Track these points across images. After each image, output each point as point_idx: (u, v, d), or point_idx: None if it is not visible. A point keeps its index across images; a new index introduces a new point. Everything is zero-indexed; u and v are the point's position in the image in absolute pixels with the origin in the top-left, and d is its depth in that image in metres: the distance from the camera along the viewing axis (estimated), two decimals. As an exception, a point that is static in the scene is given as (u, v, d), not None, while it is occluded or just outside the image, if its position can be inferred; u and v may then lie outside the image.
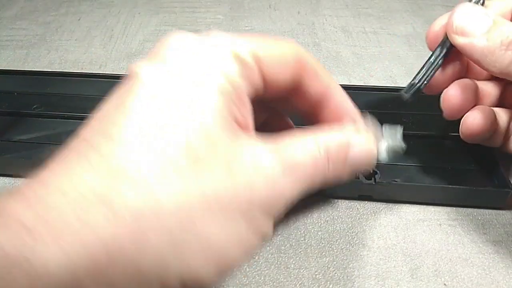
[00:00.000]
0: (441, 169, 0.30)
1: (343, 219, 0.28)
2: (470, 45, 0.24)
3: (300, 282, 0.25)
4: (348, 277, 0.25)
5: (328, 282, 0.25)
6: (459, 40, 0.24)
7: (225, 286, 0.25)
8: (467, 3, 0.25)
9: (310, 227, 0.28)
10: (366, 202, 0.29)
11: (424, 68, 0.26)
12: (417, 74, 0.26)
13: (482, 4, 0.25)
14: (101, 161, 0.15)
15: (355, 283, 0.25)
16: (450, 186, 0.28)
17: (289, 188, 0.19)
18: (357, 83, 0.41)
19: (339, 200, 0.29)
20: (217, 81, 0.18)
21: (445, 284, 0.25)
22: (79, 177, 0.15)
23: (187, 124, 0.17)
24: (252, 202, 0.17)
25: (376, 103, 0.36)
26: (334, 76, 0.42)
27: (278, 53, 0.21)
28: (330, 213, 0.29)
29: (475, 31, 0.24)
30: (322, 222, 0.28)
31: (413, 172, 0.30)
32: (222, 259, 0.17)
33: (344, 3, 0.55)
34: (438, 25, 0.27)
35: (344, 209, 0.29)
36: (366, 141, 0.22)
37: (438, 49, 0.26)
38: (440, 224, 0.28)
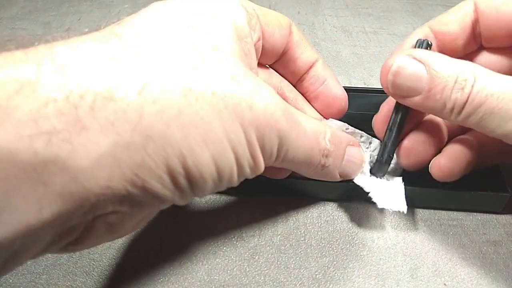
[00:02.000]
0: None
1: (343, 219, 0.28)
2: (417, 104, 0.23)
3: (300, 282, 0.25)
4: (348, 277, 0.25)
5: (328, 282, 0.25)
6: (404, 102, 0.24)
7: (224, 286, 0.25)
8: (401, 57, 0.23)
9: (310, 227, 0.28)
10: (366, 202, 0.29)
11: (384, 140, 0.26)
12: (379, 151, 0.26)
13: (429, 47, 0.24)
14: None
15: (355, 283, 0.25)
16: (447, 190, 0.28)
17: (286, 129, 0.20)
18: (358, 84, 0.41)
19: (339, 201, 0.29)
20: (230, 17, 0.20)
21: (445, 284, 0.25)
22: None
23: (206, 33, 0.19)
24: (252, 123, 0.18)
25: (377, 105, 0.36)
26: (334, 76, 0.42)
27: (273, 15, 0.24)
28: (330, 213, 0.29)
29: (414, 93, 0.23)
30: (322, 222, 0.28)
31: (411, 176, 0.29)
32: (219, 156, 0.18)
33: (344, 3, 0.55)
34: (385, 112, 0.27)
35: (344, 209, 0.29)
36: (360, 151, 0.26)
37: (393, 115, 0.25)
38: (440, 224, 0.28)
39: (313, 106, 0.29)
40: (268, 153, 0.20)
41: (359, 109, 0.35)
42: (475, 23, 0.25)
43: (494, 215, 0.28)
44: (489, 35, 0.25)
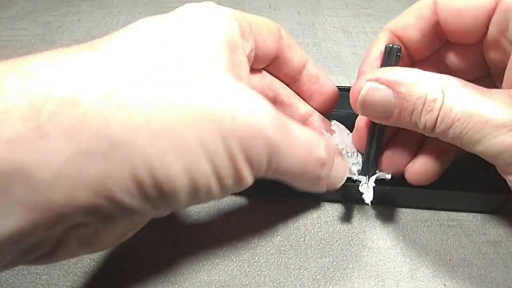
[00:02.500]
0: None
1: (343, 220, 0.28)
2: (391, 124, 0.23)
3: (300, 283, 0.25)
4: (348, 278, 0.25)
5: (328, 283, 0.25)
6: (378, 122, 0.24)
7: (224, 286, 0.25)
8: (368, 83, 0.23)
9: (310, 227, 0.28)
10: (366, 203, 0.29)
11: (366, 152, 0.26)
12: (363, 163, 0.27)
13: (399, 52, 0.24)
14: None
15: (355, 283, 0.25)
16: (447, 190, 0.28)
17: (275, 139, 0.19)
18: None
19: (339, 202, 0.29)
20: (222, 29, 0.20)
21: (444, 285, 0.25)
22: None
23: (191, 47, 0.19)
24: (233, 134, 0.17)
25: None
26: (334, 76, 0.42)
27: (264, 23, 0.25)
28: (330, 213, 0.29)
29: (386, 115, 0.23)
30: (322, 223, 0.28)
31: None
32: (192, 166, 0.17)
33: (344, 3, 0.55)
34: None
35: (344, 210, 0.29)
36: (344, 160, 0.25)
37: (371, 128, 0.26)
38: (440, 225, 0.28)
39: (309, 104, 0.29)
40: (256, 165, 0.19)
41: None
42: (437, 25, 0.25)
43: (494, 216, 0.28)
44: (453, 35, 0.25)
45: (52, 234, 0.16)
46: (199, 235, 0.27)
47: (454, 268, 0.25)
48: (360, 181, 0.26)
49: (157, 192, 0.17)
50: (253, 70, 0.26)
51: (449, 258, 0.26)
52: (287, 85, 0.28)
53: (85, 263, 0.26)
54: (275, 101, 0.28)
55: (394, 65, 0.24)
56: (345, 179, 0.25)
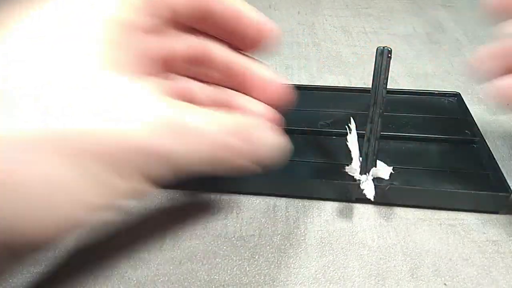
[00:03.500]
0: (439, 172, 0.30)
1: (343, 219, 0.28)
2: None
3: (300, 282, 0.25)
4: (348, 277, 0.25)
5: (328, 282, 0.25)
6: None
7: (224, 286, 0.25)
8: None
9: (310, 226, 0.28)
10: (366, 202, 0.29)
11: (364, 152, 0.27)
12: (362, 163, 0.27)
13: (389, 55, 0.26)
14: None
15: (355, 282, 0.25)
16: (447, 190, 0.28)
17: (166, 147, 0.16)
18: (358, 84, 0.41)
19: (339, 200, 0.29)
20: (104, 11, 0.17)
21: (445, 284, 0.25)
22: None
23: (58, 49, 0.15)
24: (100, 153, 0.15)
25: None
26: (334, 76, 0.42)
27: None
28: (330, 212, 0.29)
29: None
30: (322, 221, 0.28)
31: (411, 175, 0.30)
32: (53, 211, 0.15)
33: (344, 3, 0.55)
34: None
35: (344, 208, 0.29)
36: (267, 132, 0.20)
37: (368, 125, 0.27)
38: (440, 224, 0.28)
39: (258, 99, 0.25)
40: (155, 177, 0.17)
41: (359, 109, 0.35)
42: None
43: (494, 215, 0.28)
44: None
45: None
46: (198, 234, 0.27)
47: (455, 267, 0.25)
48: (361, 180, 0.27)
49: (31, 250, 0.15)
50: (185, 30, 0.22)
51: (450, 257, 0.26)
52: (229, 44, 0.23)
53: (83, 263, 0.26)
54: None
55: (386, 66, 0.27)
56: (274, 143, 0.21)
